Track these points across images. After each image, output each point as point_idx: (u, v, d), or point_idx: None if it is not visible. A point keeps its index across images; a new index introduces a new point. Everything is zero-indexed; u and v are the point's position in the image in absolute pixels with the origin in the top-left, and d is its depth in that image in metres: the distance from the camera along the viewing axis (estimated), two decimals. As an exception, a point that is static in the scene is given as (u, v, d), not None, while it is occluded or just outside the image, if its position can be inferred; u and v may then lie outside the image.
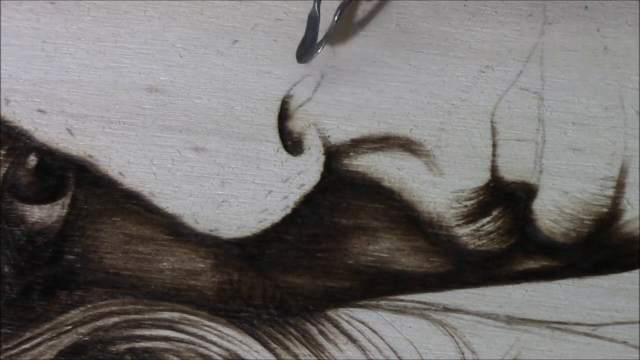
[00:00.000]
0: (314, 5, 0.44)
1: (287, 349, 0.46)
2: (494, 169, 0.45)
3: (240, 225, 0.46)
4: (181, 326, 0.46)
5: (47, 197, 0.46)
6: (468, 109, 0.45)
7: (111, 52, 0.46)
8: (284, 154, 0.46)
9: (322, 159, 0.46)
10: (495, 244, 0.46)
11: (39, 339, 0.46)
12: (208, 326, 0.46)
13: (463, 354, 0.46)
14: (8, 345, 0.46)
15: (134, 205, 0.46)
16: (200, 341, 0.46)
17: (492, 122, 0.45)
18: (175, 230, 0.46)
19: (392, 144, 0.45)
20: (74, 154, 0.46)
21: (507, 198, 0.45)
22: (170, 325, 0.46)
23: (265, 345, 0.46)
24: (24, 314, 0.46)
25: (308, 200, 0.46)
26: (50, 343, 0.46)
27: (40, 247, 0.46)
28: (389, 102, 0.45)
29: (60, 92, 0.46)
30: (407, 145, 0.45)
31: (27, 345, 0.46)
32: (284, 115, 0.46)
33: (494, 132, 0.45)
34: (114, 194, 0.46)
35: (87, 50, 0.46)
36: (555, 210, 0.45)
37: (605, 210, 0.45)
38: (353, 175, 0.46)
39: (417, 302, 0.46)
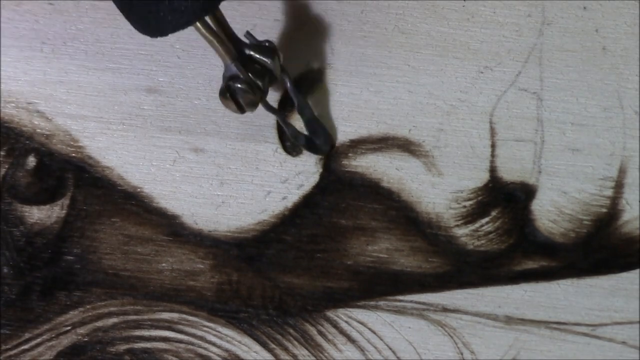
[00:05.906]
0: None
1: (286, 349, 0.46)
2: (492, 170, 0.45)
3: (239, 225, 0.46)
4: (180, 327, 0.46)
5: (46, 198, 0.46)
6: (467, 110, 0.45)
7: (110, 53, 0.46)
8: (282, 154, 0.46)
9: (321, 159, 0.46)
10: (494, 244, 0.46)
11: (38, 340, 0.46)
12: (207, 327, 0.46)
13: (462, 354, 0.46)
14: (7, 346, 0.46)
15: (133, 206, 0.46)
16: (199, 342, 0.46)
17: (490, 122, 0.45)
18: (174, 230, 0.46)
19: (391, 145, 0.45)
20: (73, 154, 0.46)
21: (506, 198, 0.45)
22: (169, 325, 0.46)
23: (264, 345, 0.46)
24: (23, 314, 0.46)
25: (307, 201, 0.46)
26: (50, 344, 0.46)
27: (39, 248, 0.46)
28: (387, 103, 0.45)
29: (59, 93, 0.46)
30: (406, 146, 0.45)
31: (26, 346, 0.46)
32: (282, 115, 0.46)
33: (492, 132, 0.45)
34: (113, 195, 0.46)
35: (86, 51, 0.46)
36: (554, 210, 0.45)
37: (604, 210, 0.45)
38: (352, 175, 0.46)
39: (416, 302, 0.46)
